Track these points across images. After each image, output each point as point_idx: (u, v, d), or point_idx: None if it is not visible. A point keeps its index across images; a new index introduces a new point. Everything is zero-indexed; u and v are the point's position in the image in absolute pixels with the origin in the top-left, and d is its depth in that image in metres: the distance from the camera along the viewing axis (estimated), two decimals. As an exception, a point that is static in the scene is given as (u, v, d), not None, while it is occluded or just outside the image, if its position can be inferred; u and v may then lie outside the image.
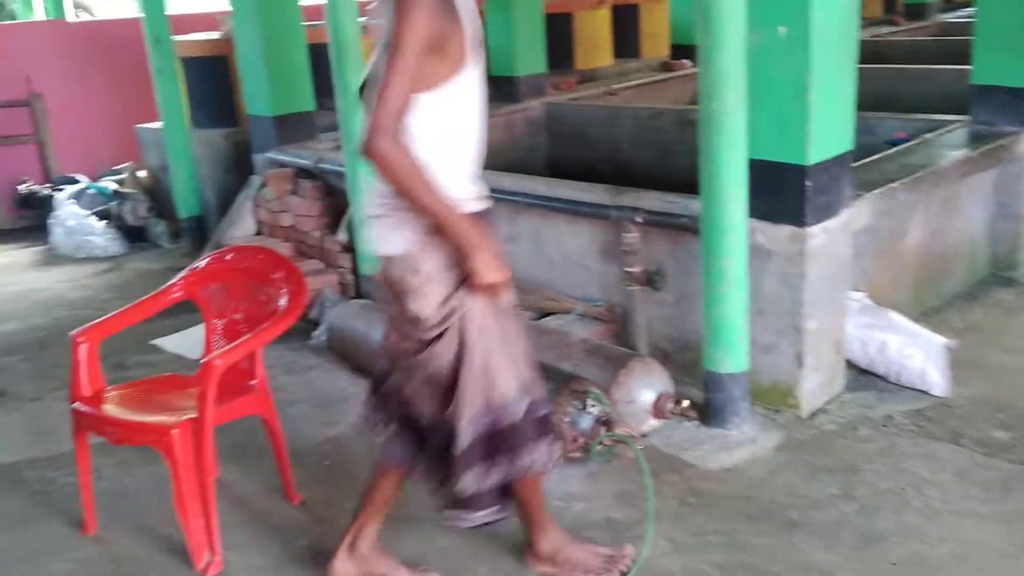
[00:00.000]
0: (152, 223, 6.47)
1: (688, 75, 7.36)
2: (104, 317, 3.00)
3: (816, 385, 3.32)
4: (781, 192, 3.10)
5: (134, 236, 6.46)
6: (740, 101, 2.88)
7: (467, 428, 2.20)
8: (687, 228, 3.35)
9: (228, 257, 3.10)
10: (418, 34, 1.97)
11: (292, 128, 5.51)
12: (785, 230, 3.14)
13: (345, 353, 4.11)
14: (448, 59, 2.05)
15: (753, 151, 3.00)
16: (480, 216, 2.23)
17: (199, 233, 6.23)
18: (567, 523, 2.72)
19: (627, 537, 2.70)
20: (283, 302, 2.86)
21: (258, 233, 5.51)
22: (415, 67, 1.99)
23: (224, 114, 6.13)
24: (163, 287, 3.08)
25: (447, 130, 2.13)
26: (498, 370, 2.22)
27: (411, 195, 2.06)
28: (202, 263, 3.11)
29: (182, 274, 3.11)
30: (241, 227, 5.46)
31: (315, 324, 4.51)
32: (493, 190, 4.16)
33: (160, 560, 2.76)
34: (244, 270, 3.03)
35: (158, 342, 4.53)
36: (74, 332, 2.88)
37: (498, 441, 2.24)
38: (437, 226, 2.11)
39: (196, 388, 2.83)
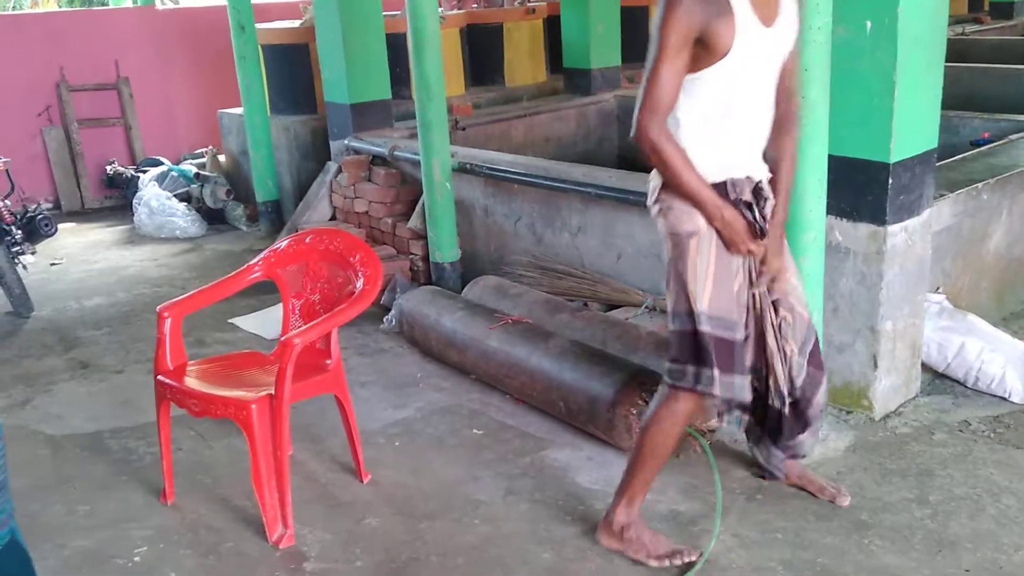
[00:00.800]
0: (231, 206, 6.64)
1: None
2: (188, 293, 3.10)
3: (890, 387, 3.26)
4: (861, 189, 3.06)
5: (213, 218, 6.64)
6: (822, 96, 2.84)
7: None
8: (762, 224, 3.31)
9: (307, 240, 3.18)
10: (678, 31, 2.17)
11: (368, 116, 5.60)
12: (864, 228, 3.09)
13: (415, 338, 4.18)
14: (713, 46, 2.21)
15: (833, 147, 2.95)
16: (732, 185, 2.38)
17: (276, 217, 6.38)
18: (632, 513, 2.73)
19: (692, 531, 2.70)
20: (360, 284, 2.92)
21: (333, 218, 5.62)
22: (676, 60, 2.20)
23: (303, 101, 6.26)
24: (244, 267, 3.18)
25: (709, 107, 2.30)
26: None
27: (673, 177, 2.30)
28: (282, 244, 3.20)
29: (263, 255, 3.20)
30: (317, 212, 5.58)
31: (386, 309, 4.59)
32: (563, 181, 4.22)
33: (235, 530, 2.85)
34: (323, 252, 3.11)
35: (235, 321, 4.66)
36: (160, 307, 2.98)
37: None
38: (692, 201, 2.32)
39: (274, 366, 2.92)
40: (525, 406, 3.55)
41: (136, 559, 2.73)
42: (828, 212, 3.02)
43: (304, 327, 2.85)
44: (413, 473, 3.16)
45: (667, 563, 2.51)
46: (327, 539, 2.79)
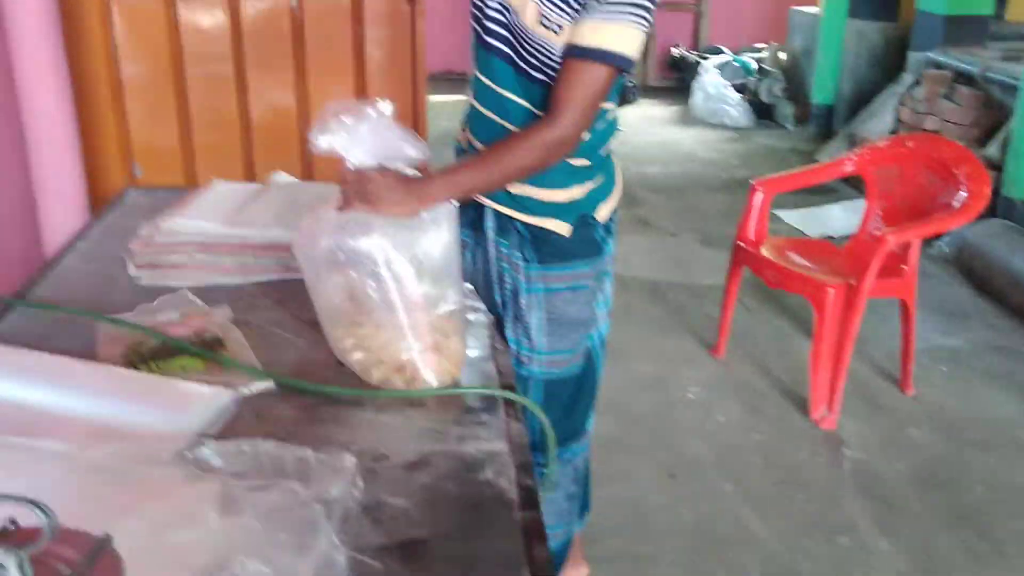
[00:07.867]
0: (781, 104, 6.71)
1: None
2: (780, 174, 3.28)
3: None
4: None
5: (761, 113, 6.78)
6: None
7: None
8: None
9: (909, 144, 3.15)
10: None
11: (962, 30, 5.23)
12: None
13: (973, 269, 3.96)
14: None
15: None
16: None
17: (825, 121, 6.33)
18: None
19: None
20: (962, 196, 2.84)
21: (894, 131, 5.43)
22: None
23: (885, 7, 6.02)
24: (837, 159, 3.25)
25: None
26: None
27: None
28: (881, 144, 3.21)
29: (857, 150, 3.24)
30: (879, 122, 5.43)
31: (934, 236, 4.39)
32: None
33: (778, 398, 3.05)
34: (926, 159, 3.05)
35: (780, 213, 4.80)
36: (756, 181, 3.19)
37: None
38: None
39: (842, 258, 3.02)
40: (1097, 368, 3.23)
41: (690, 395, 3.07)
42: None
43: (900, 227, 2.86)
44: (959, 399, 3.08)
45: None
46: (866, 433, 2.86)
